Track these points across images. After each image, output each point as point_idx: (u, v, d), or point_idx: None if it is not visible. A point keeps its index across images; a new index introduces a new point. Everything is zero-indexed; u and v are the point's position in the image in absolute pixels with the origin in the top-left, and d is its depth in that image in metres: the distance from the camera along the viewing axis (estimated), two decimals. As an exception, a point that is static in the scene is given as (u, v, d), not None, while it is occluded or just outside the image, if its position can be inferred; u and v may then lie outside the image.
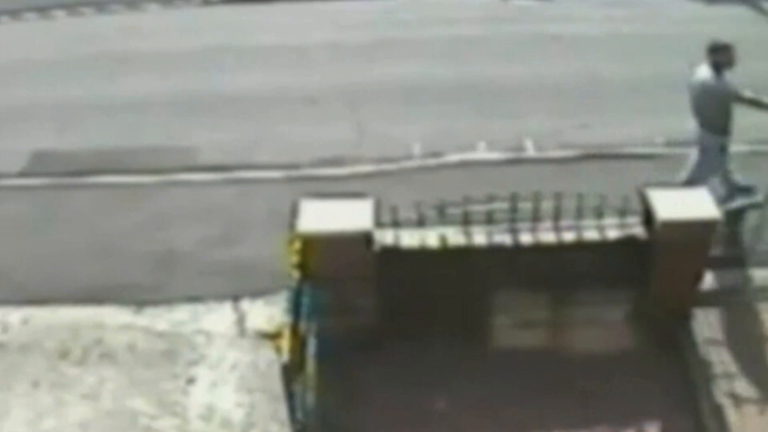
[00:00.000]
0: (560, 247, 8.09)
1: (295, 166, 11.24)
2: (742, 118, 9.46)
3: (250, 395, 8.16)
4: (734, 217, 9.66)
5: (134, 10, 15.84)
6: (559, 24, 14.72)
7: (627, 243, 8.14)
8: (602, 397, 7.93)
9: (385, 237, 8.06)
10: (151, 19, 15.55)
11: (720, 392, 7.97)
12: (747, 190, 9.83)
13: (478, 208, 8.10)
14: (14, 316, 9.00)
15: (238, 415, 7.99)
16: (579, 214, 8.14)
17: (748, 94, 9.31)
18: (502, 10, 15.51)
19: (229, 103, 12.61)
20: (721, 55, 9.31)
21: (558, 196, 8.03)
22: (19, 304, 9.12)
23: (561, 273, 8.06)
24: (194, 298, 9.20)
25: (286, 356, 6.77)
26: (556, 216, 8.15)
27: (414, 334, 8.14)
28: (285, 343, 6.84)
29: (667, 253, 8.00)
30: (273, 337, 8.33)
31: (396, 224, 8.09)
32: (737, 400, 7.92)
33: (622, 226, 8.20)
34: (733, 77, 9.47)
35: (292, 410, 7.11)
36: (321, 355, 7.69)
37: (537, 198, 8.04)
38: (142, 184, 11.05)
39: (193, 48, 14.19)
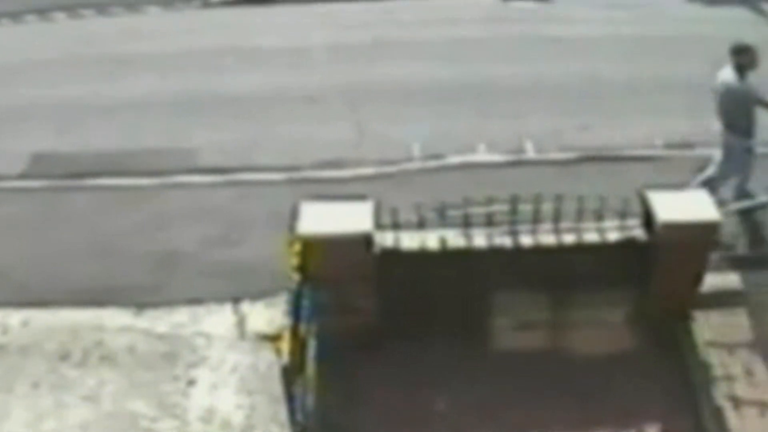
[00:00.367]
0: (560, 249, 8.10)
1: (295, 168, 11.24)
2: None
3: (250, 397, 8.16)
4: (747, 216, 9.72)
5: (134, 12, 15.83)
6: (559, 25, 14.71)
7: (627, 245, 8.14)
8: (602, 398, 7.93)
9: (385, 239, 8.06)
10: (151, 21, 15.55)
11: (720, 394, 7.97)
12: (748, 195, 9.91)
13: (478, 210, 8.10)
14: (14, 317, 9.01)
15: (238, 417, 7.99)
16: (579, 216, 8.14)
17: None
18: (502, 11, 15.50)
19: (229, 105, 12.61)
20: (743, 57, 9.39)
21: (558, 198, 8.04)
22: (20, 305, 9.13)
23: (561, 275, 8.06)
24: (194, 300, 9.20)
25: (286, 358, 6.77)
26: (557, 218, 8.16)
27: (414, 335, 8.14)
28: (285, 345, 6.85)
29: (667, 255, 8.01)
30: (273, 339, 8.33)
31: (396, 226, 8.10)
32: (737, 402, 7.92)
33: (622, 228, 8.20)
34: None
35: (292, 412, 7.12)
36: (321, 356, 7.70)
37: (537, 200, 8.04)
38: (142, 185, 11.05)
39: (193, 49, 14.19)
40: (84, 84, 13.23)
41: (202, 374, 8.39)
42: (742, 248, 9.54)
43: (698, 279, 8.34)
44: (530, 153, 11.52)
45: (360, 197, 8.11)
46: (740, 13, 14.75)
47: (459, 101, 12.54)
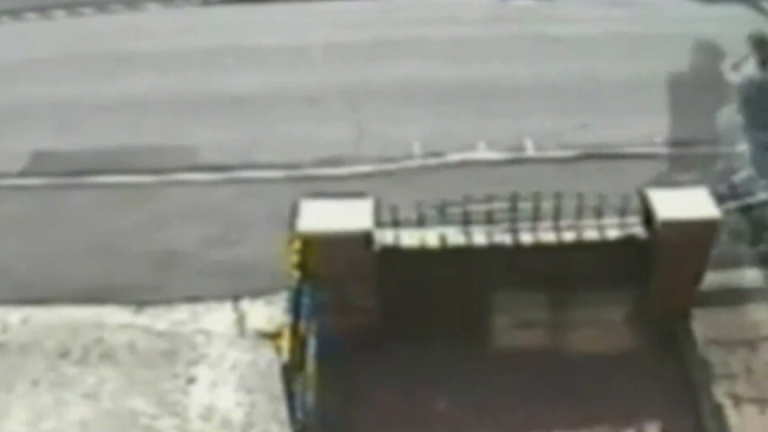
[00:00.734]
0: (560, 247, 8.09)
1: (295, 166, 11.24)
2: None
3: (250, 395, 8.16)
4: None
5: (134, 10, 15.81)
6: (558, 24, 14.70)
7: (627, 243, 8.13)
8: (602, 397, 7.92)
9: (385, 237, 8.06)
10: (151, 19, 15.53)
11: (720, 392, 7.97)
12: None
13: (478, 208, 8.09)
14: (14, 315, 9.00)
15: (238, 415, 7.99)
16: (579, 213, 8.13)
17: None
18: (501, 10, 15.48)
19: (229, 103, 12.60)
20: (766, 51, 9.38)
21: (558, 196, 8.03)
22: (19, 303, 9.12)
23: (561, 273, 8.06)
24: (194, 298, 9.20)
25: (286, 356, 6.77)
26: (556, 216, 8.15)
27: (414, 334, 8.13)
28: (285, 342, 6.85)
29: (667, 253, 8.00)
30: (273, 336, 8.33)
31: (396, 224, 8.09)
32: (737, 400, 7.92)
33: (622, 225, 8.19)
34: (735, 77, 9.51)
35: (291, 410, 7.11)
36: (321, 354, 7.69)
37: (537, 198, 8.03)
38: (142, 183, 11.05)
39: (193, 48, 14.17)
40: (84, 82, 13.22)
41: (202, 372, 8.39)
42: (742, 246, 9.54)
43: (698, 277, 8.33)
44: (530, 151, 11.51)
45: (360, 195, 8.11)
46: (740, 11, 14.73)
47: (459, 99, 12.54)
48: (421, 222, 8.09)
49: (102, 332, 8.79)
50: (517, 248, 8.08)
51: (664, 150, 11.30)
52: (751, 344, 8.45)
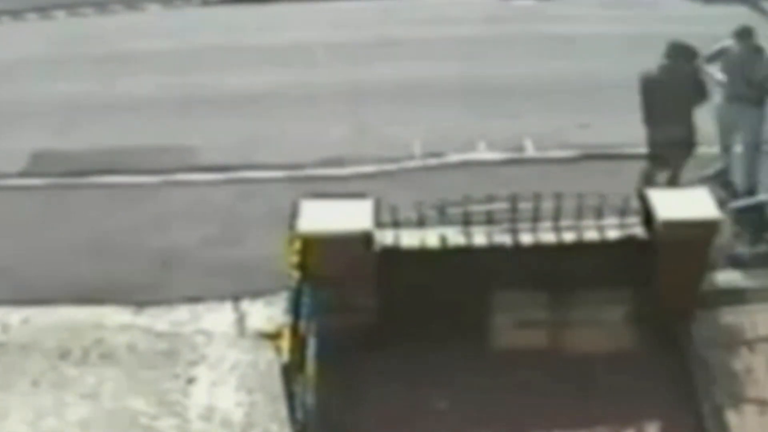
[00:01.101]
0: (560, 248, 8.09)
1: (295, 166, 11.24)
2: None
3: (250, 395, 8.16)
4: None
5: (134, 10, 15.85)
6: (559, 24, 14.72)
7: (627, 243, 8.13)
8: (602, 397, 7.92)
9: (385, 237, 8.06)
10: (150, 19, 15.56)
11: (720, 393, 7.96)
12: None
13: (479, 208, 8.10)
14: (14, 316, 9.00)
15: (238, 415, 7.99)
16: (579, 214, 8.13)
17: None
18: (502, 9, 15.51)
19: (230, 102, 12.61)
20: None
21: (558, 196, 8.03)
22: (20, 304, 9.12)
23: (561, 273, 8.06)
24: (194, 298, 9.20)
25: (286, 356, 6.77)
26: (556, 216, 8.15)
27: (414, 334, 8.12)
28: (285, 343, 6.85)
29: (668, 253, 8.00)
30: (273, 337, 8.33)
31: (396, 224, 8.09)
32: (737, 400, 7.92)
33: (622, 226, 8.19)
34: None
35: (292, 410, 7.11)
36: (321, 354, 7.69)
37: (537, 198, 8.03)
38: (142, 184, 11.06)
39: (193, 48, 14.19)
40: (84, 82, 13.24)
41: (202, 372, 8.39)
42: (742, 247, 9.54)
43: (699, 277, 8.33)
44: (530, 151, 11.52)
45: (360, 195, 8.11)
46: (739, 11, 14.74)
47: (459, 99, 12.55)
48: (421, 222, 8.09)
49: (102, 332, 8.79)
50: (517, 248, 8.08)
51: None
52: (751, 344, 8.45)
